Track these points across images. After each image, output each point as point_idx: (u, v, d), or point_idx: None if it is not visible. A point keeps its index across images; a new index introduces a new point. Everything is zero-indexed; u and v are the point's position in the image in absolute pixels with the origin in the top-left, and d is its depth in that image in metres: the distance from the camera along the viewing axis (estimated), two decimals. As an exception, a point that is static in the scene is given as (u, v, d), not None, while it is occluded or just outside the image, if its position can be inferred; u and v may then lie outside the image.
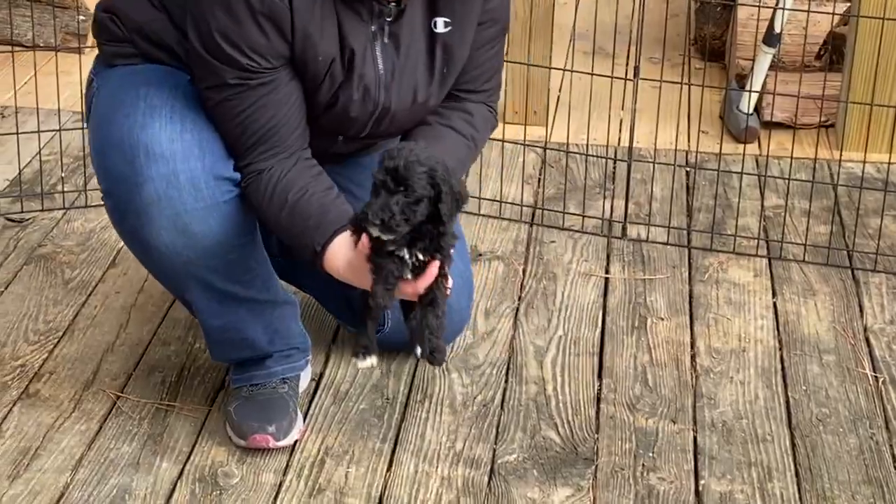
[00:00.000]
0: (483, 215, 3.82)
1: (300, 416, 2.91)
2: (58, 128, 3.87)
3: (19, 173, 3.92)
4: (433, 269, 2.66)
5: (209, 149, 2.69)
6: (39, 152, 3.95)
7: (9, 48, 4.00)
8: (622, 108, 3.88)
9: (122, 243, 3.52)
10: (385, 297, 2.64)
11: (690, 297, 3.50)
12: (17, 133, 3.82)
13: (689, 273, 3.62)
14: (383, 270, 2.63)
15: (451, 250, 2.69)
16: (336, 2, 2.65)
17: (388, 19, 2.70)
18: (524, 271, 3.59)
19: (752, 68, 4.33)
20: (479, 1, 2.77)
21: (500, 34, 2.88)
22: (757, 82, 4.30)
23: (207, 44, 2.61)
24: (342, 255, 2.68)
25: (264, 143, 2.69)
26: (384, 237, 2.59)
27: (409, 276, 2.66)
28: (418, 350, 2.78)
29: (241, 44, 2.59)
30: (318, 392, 3.04)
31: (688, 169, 4.11)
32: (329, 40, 2.66)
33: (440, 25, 2.72)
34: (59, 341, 3.19)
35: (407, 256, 2.63)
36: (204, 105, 2.69)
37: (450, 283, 2.72)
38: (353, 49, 2.68)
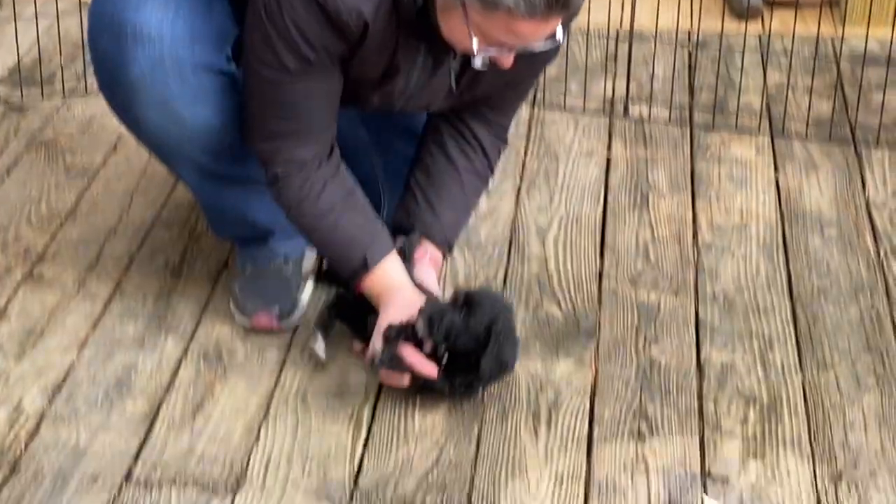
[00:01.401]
0: (484, 97, 3.81)
1: (303, 296, 2.93)
2: (56, 15, 3.85)
3: (18, 61, 3.91)
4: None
5: (200, 37, 2.66)
6: (38, 40, 3.93)
7: (5, -65, 3.98)
8: (623, -12, 3.86)
9: (123, 129, 3.53)
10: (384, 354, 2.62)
11: (692, 174, 3.50)
12: (15, 20, 3.81)
13: (691, 151, 3.62)
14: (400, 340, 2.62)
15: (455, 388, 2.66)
16: (401, 28, 2.57)
17: (454, 65, 2.67)
18: (526, 151, 3.59)
19: (755, -54, 4.29)
20: (529, 56, 2.64)
21: (544, 67, 2.85)
22: (759, -40, 4.27)
23: (278, 25, 2.52)
24: (388, 276, 2.69)
25: (306, 132, 2.64)
26: (419, 331, 2.59)
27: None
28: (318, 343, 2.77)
29: (312, 39, 2.52)
30: (322, 270, 3.05)
31: (690, 48, 4.10)
32: (382, 61, 2.62)
33: (478, 62, 2.65)
34: (61, 225, 3.21)
35: (440, 352, 2.62)
36: (246, 77, 2.63)
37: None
38: (398, 67, 2.64)
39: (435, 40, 2.59)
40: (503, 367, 2.65)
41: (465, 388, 2.65)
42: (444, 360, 2.62)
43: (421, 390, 2.66)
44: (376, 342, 2.65)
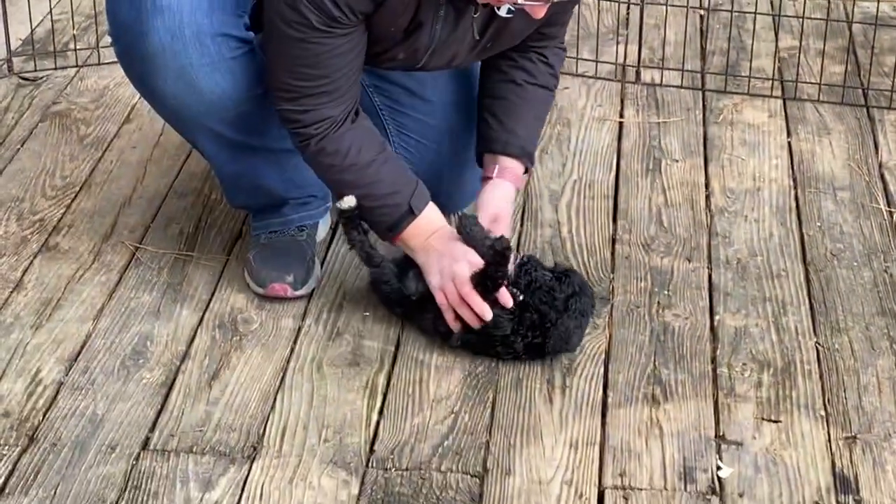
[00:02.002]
0: (496, 63, 3.81)
1: (317, 264, 2.94)
2: (68, -14, 3.86)
3: (31, 33, 3.92)
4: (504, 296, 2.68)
5: (219, 5, 2.66)
6: (51, 11, 3.94)
7: None
8: (634, -48, 3.86)
9: (137, 99, 3.56)
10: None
11: (705, 138, 3.51)
12: (28, -8, 3.82)
13: (704, 115, 3.62)
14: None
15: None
16: None
17: (478, 17, 2.69)
18: (538, 117, 3.58)
19: None
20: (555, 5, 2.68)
21: (571, 10, 2.87)
22: (771, -77, 4.25)
23: None
24: (436, 224, 2.72)
25: (334, 89, 2.64)
26: (494, 262, 2.65)
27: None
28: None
29: None
30: (335, 240, 3.07)
31: (701, 12, 4.09)
32: (406, 16, 2.64)
33: (503, 10, 2.66)
34: (76, 196, 3.22)
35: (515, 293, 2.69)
36: (271, 41, 2.63)
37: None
38: (421, 22, 2.65)
39: None
40: (567, 343, 2.68)
41: (521, 340, 2.66)
42: (519, 300, 2.68)
43: (475, 340, 2.69)
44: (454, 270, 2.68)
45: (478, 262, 2.67)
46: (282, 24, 2.58)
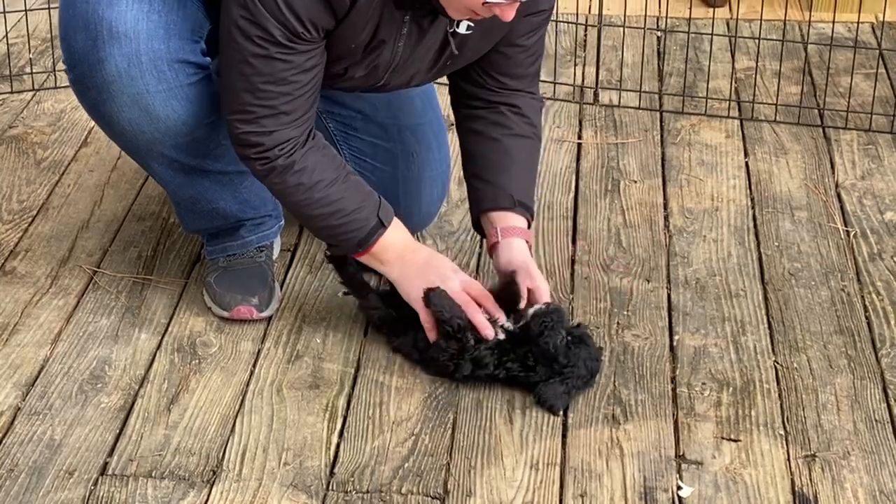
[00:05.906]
0: (454, 85, 3.81)
1: (277, 285, 2.93)
2: (24, 9, 3.84)
3: (-13, 56, 3.91)
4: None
5: (175, 32, 2.65)
6: (7, 35, 3.93)
7: (-29, -70, 3.96)
8: (591, -26, 3.88)
9: (94, 123, 3.53)
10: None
11: (663, 159, 3.52)
12: (-17, 15, 3.80)
13: (662, 136, 3.63)
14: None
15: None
16: (386, 0, 2.59)
17: (449, 29, 2.69)
18: (497, 139, 3.59)
19: (722, -69, 4.31)
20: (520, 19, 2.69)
21: (543, 23, 2.84)
22: (726, -55, 4.28)
23: (266, 3, 2.52)
24: (406, 237, 2.72)
25: (295, 109, 2.62)
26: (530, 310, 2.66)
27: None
28: None
29: (301, 12, 2.52)
30: (294, 262, 3.06)
31: (658, 34, 4.11)
32: (367, 31, 2.63)
33: (463, 27, 2.66)
34: (33, 220, 3.20)
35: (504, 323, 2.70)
36: (230, 61, 2.59)
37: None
38: (383, 39, 2.65)
39: (418, 9, 2.61)
40: (540, 401, 2.65)
41: (501, 371, 2.66)
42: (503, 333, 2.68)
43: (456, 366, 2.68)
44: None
45: (467, 278, 2.71)
46: (244, 40, 2.56)
